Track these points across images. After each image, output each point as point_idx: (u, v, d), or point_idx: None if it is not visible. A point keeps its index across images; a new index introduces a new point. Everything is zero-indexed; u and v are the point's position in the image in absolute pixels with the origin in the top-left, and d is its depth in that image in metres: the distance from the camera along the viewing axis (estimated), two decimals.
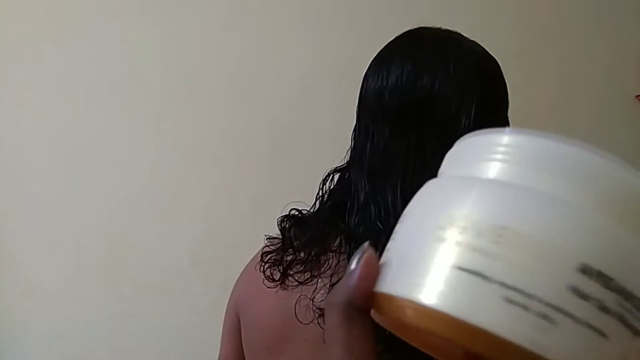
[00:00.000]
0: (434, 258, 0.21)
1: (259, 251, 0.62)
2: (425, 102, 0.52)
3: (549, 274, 0.20)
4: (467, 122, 0.51)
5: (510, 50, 1.70)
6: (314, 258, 0.55)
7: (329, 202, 0.59)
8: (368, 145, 0.55)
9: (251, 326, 0.61)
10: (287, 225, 0.60)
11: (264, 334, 0.59)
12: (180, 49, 1.48)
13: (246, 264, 0.67)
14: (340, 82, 1.36)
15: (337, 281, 0.52)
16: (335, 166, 0.61)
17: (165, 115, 1.48)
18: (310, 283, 0.54)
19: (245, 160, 1.53)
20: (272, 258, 0.58)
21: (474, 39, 0.57)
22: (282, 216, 0.61)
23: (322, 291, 0.53)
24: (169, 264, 1.49)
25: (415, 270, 0.22)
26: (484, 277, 0.20)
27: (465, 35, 0.58)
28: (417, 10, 1.58)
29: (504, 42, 1.51)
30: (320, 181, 0.60)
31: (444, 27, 0.58)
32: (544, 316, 0.20)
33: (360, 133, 0.57)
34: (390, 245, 0.24)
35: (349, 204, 0.55)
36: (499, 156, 0.24)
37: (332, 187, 0.60)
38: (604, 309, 0.20)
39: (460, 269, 0.21)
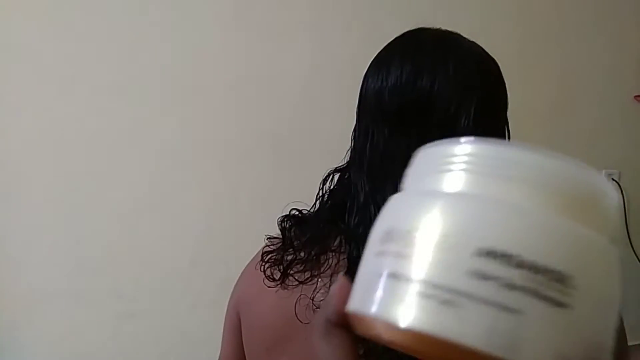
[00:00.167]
0: (367, 269, 0.24)
1: (259, 251, 0.62)
2: (424, 102, 0.52)
3: (450, 261, 0.21)
4: (466, 122, 0.51)
5: (510, 50, 1.71)
6: (314, 258, 0.55)
7: (329, 202, 0.59)
8: (368, 145, 0.55)
9: (252, 326, 0.61)
10: (288, 225, 0.60)
11: (264, 333, 0.59)
12: (180, 49, 1.48)
13: (246, 264, 0.67)
14: (340, 82, 1.36)
15: None
16: (335, 166, 0.61)
17: (166, 116, 1.48)
18: (310, 282, 0.54)
19: (246, 160, 1.54)
20: (273, 258, 0.59)
21: (474, 40, 0.58)
22: (282, 216, 0.61)
23: (322, 291, 0.54)
24: (169, 264, 1.49)
25: (357, 285, 0.25)
26: (401, 278, 0.22)
27: (465, 35, 0.58)
28: (417, 11, 1.59)
29: (504, 42, 1.51)
30: (320, 181, 0.60)
31: (443, 27, 0.59)
32: (449, 302, 0.21)
33: (360, 133, 0.57)
34: None
35: (349, 204, 0.56)
36: (411, 168, 0.27)
37: (332, 187, 0.60)
38: (510, 286, 0.20)
39: (384, 275, 0.23)
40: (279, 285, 0.56)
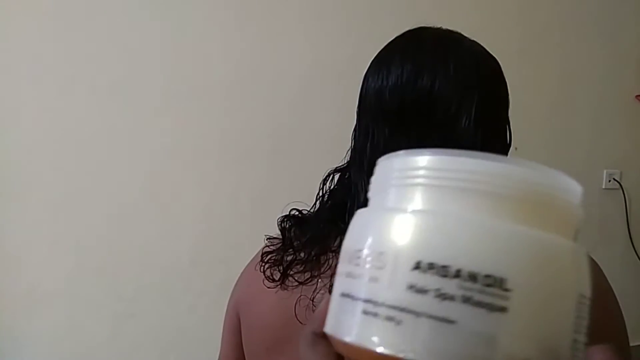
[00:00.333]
0: (334, 289, 0.25)
1: (259, 251, 0.62)
2: (425, 102, 0.52)
3: (390, 279, 0.22)
4: (467, 122, 0.51)
5: (510, 50, 1.71)
6: (314, 258, 0.55)
7: (329, 202, 0.59)
8: (368, 145, 0.55)
9: (251, 326, 0.61)
10: (287, 225, 0.60)
11: (264, 334, 0.59)
12: (180, 49, 1.48)
13: (246, 264, 0.67)
14: (340, 82, 1.36)
15: None
16: (335, 166, 0.60)
17: (165, 115, 1.48)
18: (310, 283, 0.54)
19: (245, 160, 1.53)
20: (272, 258, 0.58)
21: (474, 39, 0.57)
22: (282, 216, 0.61)
23: (322, 291, 0.53)
24: (169, 264, 1.49)
25: (331, 304, 0.26)
26: (351, 297, 0.23)
27: (465, 35, 0.58)
28: (417, 10, 1.59)
29: (504, 42, 1.51)
30: (321, 181, 0.60)
31: (444, 27, 0.58)
32: (391, 318, 0.21)
33: (361, 133, 0.57)
34: None
35: (349, 204, 0.55)
36: (373, 177, 0.27)
37: (332, 187, 0.60)
38: (444, 296, 0.21)
39: (340, 295, 0.24)
40: (279, 286, 0.56)
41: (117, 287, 1.45)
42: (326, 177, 0.60)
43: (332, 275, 0.54)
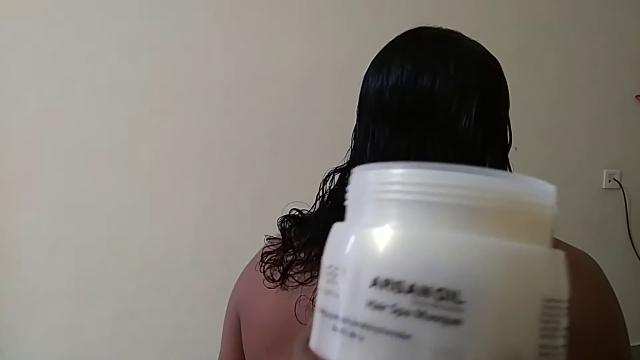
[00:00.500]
0: (316, 305, 0.26)
1: (259, 251, 0.62)
2: (425, 102, 0.52)
3: (353, 295, 0.23)
4: (467, 122, 0.51)
5: (510, 50, 1.70)
6: (314, 258, 0.55)
7: (329, 202, 0.59)
8: (368, 145, 0.55)
9: (251, 326, 0.61)
10: (287, 226, 0.60)
11: (264, 334, 0.58)
12: (180, 49, 1.48)
13: (246, 264, 0.67)
14: (340, 82, 1.36)
15: None
16: (335, 166, 0.60)
17: (165, 115, 1.48)
18: (310, 283, 0.54)
19: (245, 160, 1.53)
20: (272, 258, 0.58)
21: (474, 39, 0.57)
22: (282, 216, 0.61)
23: None
24: (169, 264, 1.49)
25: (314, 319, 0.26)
26: (324, 313, 0.24)
27: (466, 35, 0.57)
28: (417, 10, 1.59)
29: (504, 42, 1.51)
30: (321, 181, 0.60)
31: (444, 27, 0.58)
32: (353, 334, 0.22)
33: (361, 133, 0.57)
34: None
35: None
36: (348, 190, 0.27)
37: (332, 187, 0.60)
38: (400, 312, 0.21)
39: (318, 310, 0.25)
40: (279, 286, 0.56)
41: (117, 287, 1.45)
42: (326, 177, 0.60)
43: None
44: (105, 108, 1.43)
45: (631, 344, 0.54)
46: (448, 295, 0.21)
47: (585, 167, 1.84)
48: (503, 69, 0.57)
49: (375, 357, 0.21)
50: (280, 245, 0.59)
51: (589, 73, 1.85)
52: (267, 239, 0.62)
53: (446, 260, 0.21)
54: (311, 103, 1.57)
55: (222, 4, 1.50)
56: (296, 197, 0.61)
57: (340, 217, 0.62)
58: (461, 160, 0.43)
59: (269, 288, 0.57)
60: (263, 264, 0.58)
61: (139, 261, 1.47)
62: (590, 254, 0.55)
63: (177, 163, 1.49)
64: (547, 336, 0.22)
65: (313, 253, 0.55)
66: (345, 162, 0.60)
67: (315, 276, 0.55)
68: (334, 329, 0.23)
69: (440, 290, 0.21)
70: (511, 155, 0.57)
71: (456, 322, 0.21)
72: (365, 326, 0.22)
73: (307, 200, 0.61)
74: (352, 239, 0.24)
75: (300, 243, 0.57)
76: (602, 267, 0.54)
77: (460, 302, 0.21)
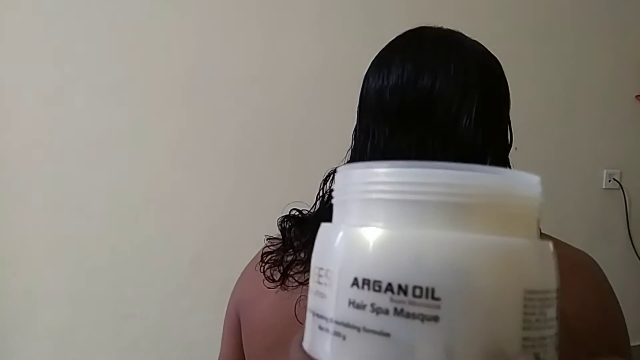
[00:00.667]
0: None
1: (259, 251, 0.62)
2: (425, 102, 0.52)
3: (336, 295, 0.23)
4: (468, 122, 0.51)
5: (511, 50, 1.70)
6: None
7: (329, 202, 0.59)
8: (369, 145, 0.55)
9: (251, 326, 0.61)
10: (288, 226, 0.60)
11: (264, 334, 0.58)
12: (180, 50, 1.48)
13: (246, 264, 0.67)
14: (341, 81, 1.36)
15: None
16: (335, 166, 0.60)
17: (165, 116, 1.48)
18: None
19: (246, 160, 1.53)
20: (272, 258, 0.58)
21: (475, 39, 0.57)
22: (282, 216, 0.61)
23: None
24: (169, 264, 1.49)
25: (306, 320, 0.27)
26: (312, 313, 0.24)
27: (466, 35, 0.57)
28: (417, 10, 1.58)
29: (504, 42, 1.50)
30: (321, 181, 0.60)
31: (445, 26, 0.58)
32: (338, 334, 0.22)
33: (361, 133, 0.57)
34: None
35: None
36: (334, 189, 0.28)
37: (332, 187, 0.60)
38: (379, 310, 0.21)
39: (308, 310, 0.25)
40: (279, 286, 0.56)
41: (117, 287, 1.45)
42: (326, 177, 0.60)
43: None
44: (105, 108, 1.42)
45: (631, 344, 0.54)
46: (424, 293, 0.21)
47: (585, 167, 1.84)
48: (503, 69, 0.57)
49: (359, 356, 0.22)
50: (280, 245, 0.59)
51: (589, 73, 1.85)
52: (267, 239, 0.62)
53: (422, 258, 0.21)
54: (311, 103, 1.57)
55: (223, 4, 1.50)
56: (296, 197, 0.61)
57: None
58: (461, 160, 0.43)
59: (269, 288, 0.57)
60: (263, 264, 0.58)
61: (139, 261, 1.47)
62: (590, 254, 0.55)
63: (177, 163, 1.49)
64: (531, 328, 0.22)
65: None
66: (345, 162, 0.60)
67: None
68: (321, 328, 0.23)
69: (416, 287, 0.21)
70: (511, 155, 0.57)
71: (434, 318, 0.21)
72: (348, 325, 0.22)
73: (307, 200, 0.61)
74: (335, 240, 0.24)
75: (300, 243, 0.57)
76: (602, 267, 0.54)
77: (437, 299, 0.21)
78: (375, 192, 0.23)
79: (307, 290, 0.54)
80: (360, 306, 0.22)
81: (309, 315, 0.25)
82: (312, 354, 0.24)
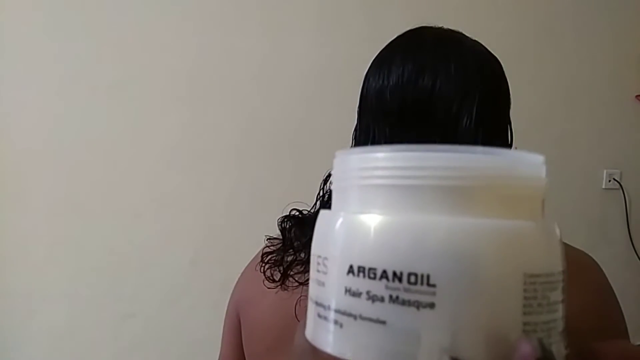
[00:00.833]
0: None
1: (259, 251, 0.62)
2: (426, 101, 0.52)
3: (333, 283, 0.23)
4: (468, 122, 0.51)
5: (510, 50, 1.70)
6: None
7: (329, 202, 0.59)
8: (369, 144, 0.55)
9: (252, 326, 0.61)
10: (288, 226, 0.60)
11: (264, 334, 0.58)
12: (180, 49, 1.48)
13: (246, 264, 0.67)
14: (341, 81, 1.36)
15: None
16: None
17: (165, 116, 1.48)
18: None
19: (246, 160, 1.53)
20: (273, 259, 0.58)
21: (475, 39, 0.57)
22: (282, 216, 0.61)
23: None
24: (169, 264, 1.49)
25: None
26: (312, 301, 0.25)
27: (467, 35, 0.57)
28: (417, 10, 1.58)
29: (504, 42, 1.50)
30: (321, 181, 0.60)
31: (445, 26, 0.58)
32: (336, 322, 0.22)
33: (361, 133, 0.57)
34: None
35: None
36: (332, 175, 0.27)
37: (331, 188, 0.59)
38: (375, 298, 0.21)
39: (309, 299, 0.25)
40: (279, 286, 0.56)
41: (117, 287, 1.45)
42: (326, 177, 0.60)
43: None
44: (105, 108, 1.42)
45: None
46: (418, 280, 0.20)
47: (585, 167, 1.84)
48: (504, 69, 0.57)
49: (356, 343, 0.21)
50: (280, 245, 0.59)
51: (589, 73, 1.85)
52: (267, 239, 0.62)
53: (418, 245, 0.21)
54: (311, 103, 1.57)
55: (223, 4, 1.50)
56: (296, 197, 0.61)
57: None
58: None
59: (269, 288, 0.57)
60: (263, 264, 0.58)
61: (139, 261, 1.47)
62: (590, 254, 0.55)
63: (177, 163, 1.49)
64: (532, 313, 0.21)
65: None
66: None
67: None
68: (319, 316, 0.23)
69: (411, 274, 0.21)
70: None
71: (430, 305, 0.20)
72: (345, 313, 0.22)
73: (307, 200, 0.61)
74: (332, 228, 0.24)
75: (301, 243, 0.57)
76: (602, 267, 0.54)
77: (432, 286, 0.20)
78: (373, 178, 0.23)
79: (307, 290, 0.54)
80: (356, 294, 0.22)
81: (310, 303, 0.25)
82: (313, 342, 0.24)
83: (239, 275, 0.67)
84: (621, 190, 1.87)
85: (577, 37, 1.83)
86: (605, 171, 1.86)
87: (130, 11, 1.43)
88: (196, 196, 1.51)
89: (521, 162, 0.23)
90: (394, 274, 0.21)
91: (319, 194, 0.60)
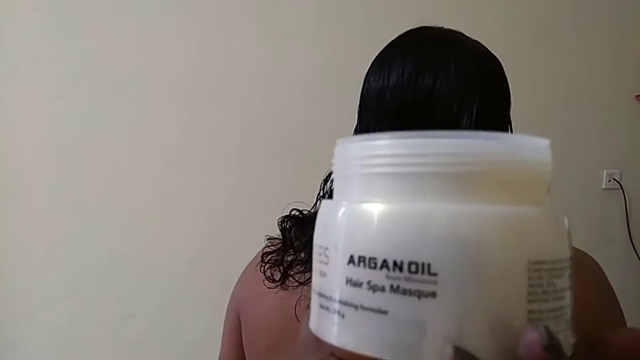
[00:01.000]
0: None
1: (259, 251, 0.62)
2: (426, 101, 0.52)
3: (334, 274, 0.23)
4: (468, 122, 0.51)
5: (510, 50, 1.70)
6: None
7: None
8: None
9: (252, 326, 0.61)
10: (288, 226, 0.60)
11: (264, 334, 0.58)
12: (181, 49, 1.48)
13: (246, 264, 0.67)
14: (341, 81, 1.36)
15: None
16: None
17: (166, 116, 1.48)
18: (310, 283, 0.54)
19: (246, 160, 1.53)
20: (273, 258, 0.58)
21: (475, 39, 0.57)
22: (282, 216, 0.61)
23: None
24: (169, 264, 1.49)
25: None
26: (315, 292, 0.24)
27: (467, 34, 0.57)
28: (417, 10, 1.58)
29: (504, 42, 1.50)
30: (321, 181, 0.60)
31: (445, 26, 0.58)
32: (338, 312, 0.22)
33: (361, 132, 0.57)
34: None
35: None
36: (333, 164, 0.26)
37: (332, 187, 0.59)
38: (375, 288, 0.21)
39: (313, 291, 0.25)
40: (279, 286, 0.56)
41: (117, 287, 1.45)
42: (326, 177, 0.60)
43: None
44: (105, 108, 1.42)
45: None
46: (419, 269, 0.20)
47: (585, 167, 1.84)
48: (504, 69, 0.57)
49: (358, 333, 0.21)
50: (280, 245, 0.59)
51: (589, 73, 1.85)
52: (267, 239, 0.62)
53: (419, 233, 0.21)
54: (312, 103, 1.57)
55: (223, 4, 1.50)
56: (296, 197, 0.61)
57: None
58: None
59: (269, 288, 0.57)
60: (263, 264, 0.58)
61: (139, 261, 1.47)
62: (590, 254, 0.55)
63: (177, 163, 1.49)
64: (537, 300, 0.21)
65: None
66: None
67: None
68: (322, 306, 0.23)
69: (411, 263, 0.20)
70: None
71: (431, 294, 0.20)
72: (346, 303, 0.22)
73: (307, 200, 0.61)
74: (333, 218, 0.24)
75: (301, 243, 0.57)
76: (602, 267, 0.54)
77: (433, 274, 0.20)
78: (374, 166, 0.23)
79: (307, 290, 0.54)
80: (357, 284, 0.21)
81: (313, 294, 0.25)
82: (316, 333, 0.24)
83: (239, 275, 0.67)
84: (621, 190, 1.87)
85: (577, 37, 1.83)
86: (605, 171, 1.86)
87: (130, 11, 1.43)
88: (196, 196, 1.51)
89: (525, 147, 0.23)
90: (395, 263, 0.21)
91: (319, 193, 0.60)
